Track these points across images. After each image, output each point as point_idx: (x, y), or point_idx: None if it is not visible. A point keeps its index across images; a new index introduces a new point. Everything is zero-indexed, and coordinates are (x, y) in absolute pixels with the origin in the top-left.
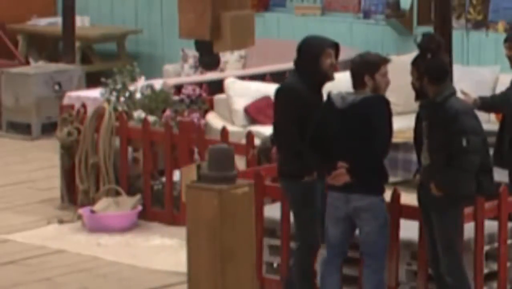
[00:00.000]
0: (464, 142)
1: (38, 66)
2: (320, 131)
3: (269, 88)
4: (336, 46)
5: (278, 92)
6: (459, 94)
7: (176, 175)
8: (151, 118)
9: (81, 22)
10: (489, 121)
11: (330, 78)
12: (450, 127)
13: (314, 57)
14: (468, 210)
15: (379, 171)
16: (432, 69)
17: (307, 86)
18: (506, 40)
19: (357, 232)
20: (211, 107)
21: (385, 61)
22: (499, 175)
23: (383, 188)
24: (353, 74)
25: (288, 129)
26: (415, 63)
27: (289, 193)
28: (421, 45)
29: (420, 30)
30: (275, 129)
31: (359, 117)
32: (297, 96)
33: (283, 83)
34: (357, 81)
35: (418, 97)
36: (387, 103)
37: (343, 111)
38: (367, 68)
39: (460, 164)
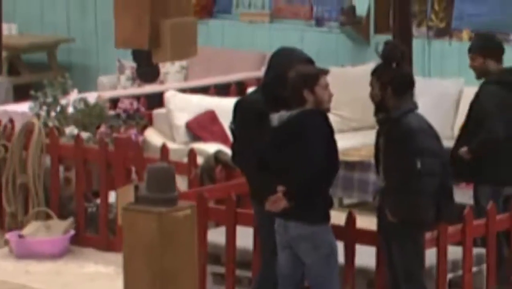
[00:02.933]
0: (419, 165)
1: None
2: (262, 153)
3: (213, 102)
4: (309, 62)
5: (235, 106)
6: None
7: (112, 197)
8: (85, 134)
9: (8, 30)
10: (452, 138)
11: None
12: (405, 146)
13: (281, 71)
14: (429, 235)
15: (319, 195)
16: (398, 80)
17: (270, 102)
18: (470, 50)
19: None
20: (149, 122)
21: (323, 72)
22: (463, 196)
23: (324, 215)
24: (291, 91)
25: (242, 150)
26: (375, 73)
27: None
28: (384, 55)
29: (377, 39)
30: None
31: (291, 134)
32: (255, 113)
33: (243, 97)
34: (296, 98)
35: (378, 111)
36: (324, 117)
37: (276, 130)
38: (305, 82)
39: (415, 187)
